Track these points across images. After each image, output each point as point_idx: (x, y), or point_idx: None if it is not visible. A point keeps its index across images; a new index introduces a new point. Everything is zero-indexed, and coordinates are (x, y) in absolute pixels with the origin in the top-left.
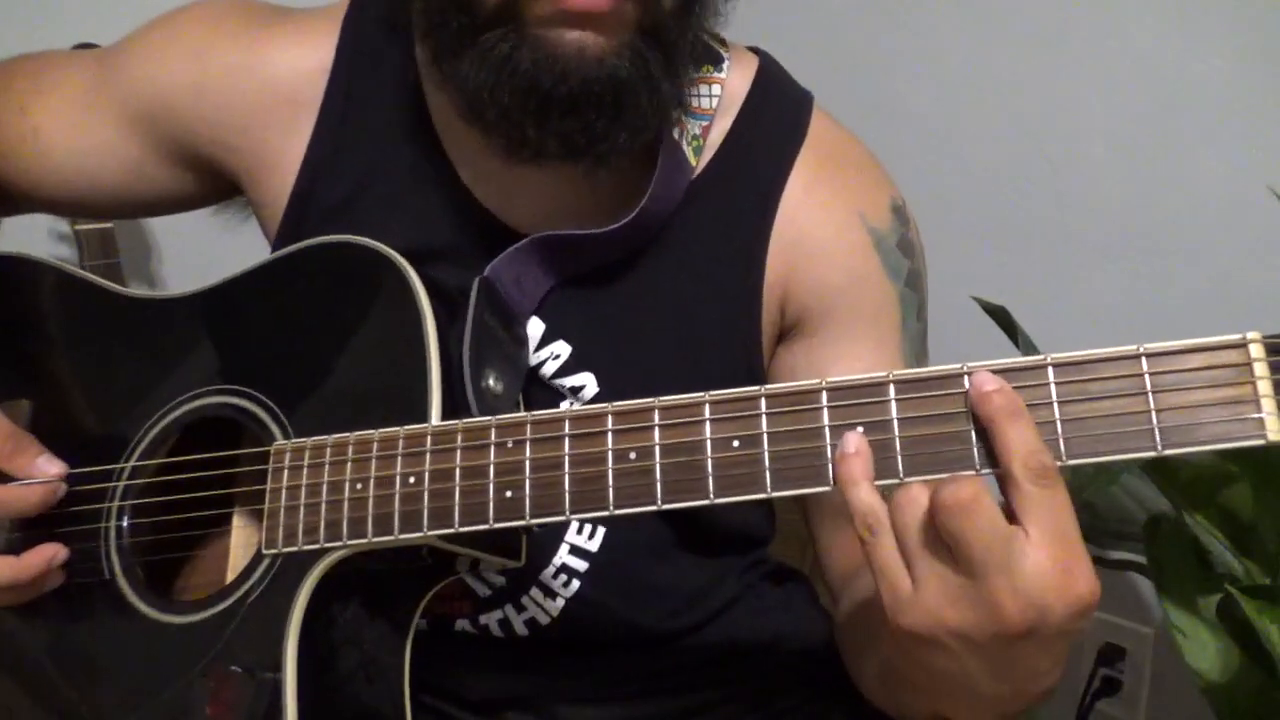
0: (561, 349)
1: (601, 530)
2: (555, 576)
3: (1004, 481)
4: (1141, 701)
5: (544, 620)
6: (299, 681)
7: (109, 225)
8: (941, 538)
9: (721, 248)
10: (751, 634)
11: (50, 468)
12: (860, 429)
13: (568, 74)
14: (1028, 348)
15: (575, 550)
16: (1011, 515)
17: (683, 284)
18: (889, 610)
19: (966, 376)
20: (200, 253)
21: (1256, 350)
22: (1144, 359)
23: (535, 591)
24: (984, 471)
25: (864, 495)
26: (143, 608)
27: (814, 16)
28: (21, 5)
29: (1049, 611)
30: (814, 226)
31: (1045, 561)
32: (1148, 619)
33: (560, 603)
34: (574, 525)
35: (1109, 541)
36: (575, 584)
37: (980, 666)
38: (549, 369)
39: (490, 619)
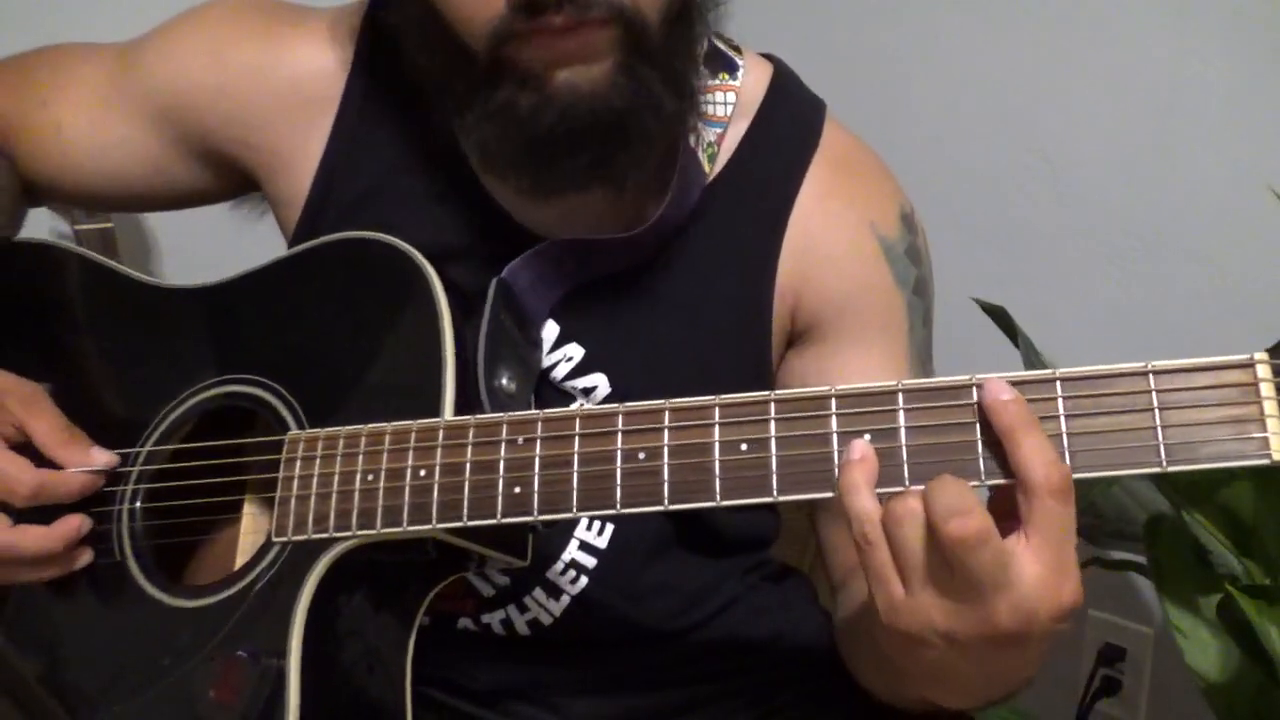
0: (575, 351)
1: (610, 527)
2: (564, 573)
3: (1017, 489)
4: (1141, 701)
5: (546, 621)
6: (303, 668)
7: (109, 225)
8: (941, 559)
9: (734, 253)
10: (752, 632)
11: (102, 458)
12: (868, 436)
13: (566, 114)
14: (1027, 348)
15: (585, 546)
16: (1006, 515)
17: (694, 288)
18: (883, 613)
19: (975, 388)
20: (201, 253)
21: (1263, 371)
22: (1151, 376)
23: (539, 591)
24: (988, 483)
25: (864, 502)
26: (151, 591)
27: (814, 17)
28: (22, 5)
29: (1036, 618)
30: (825, 235)
31: (1043, 573)
32: (1148, 619)
33: (565, 601)
34: (584, 521)
35: (1109, 541)
36: (583, 581)
37: (967, 664)
38: (560, 371)
39: (492, 618)
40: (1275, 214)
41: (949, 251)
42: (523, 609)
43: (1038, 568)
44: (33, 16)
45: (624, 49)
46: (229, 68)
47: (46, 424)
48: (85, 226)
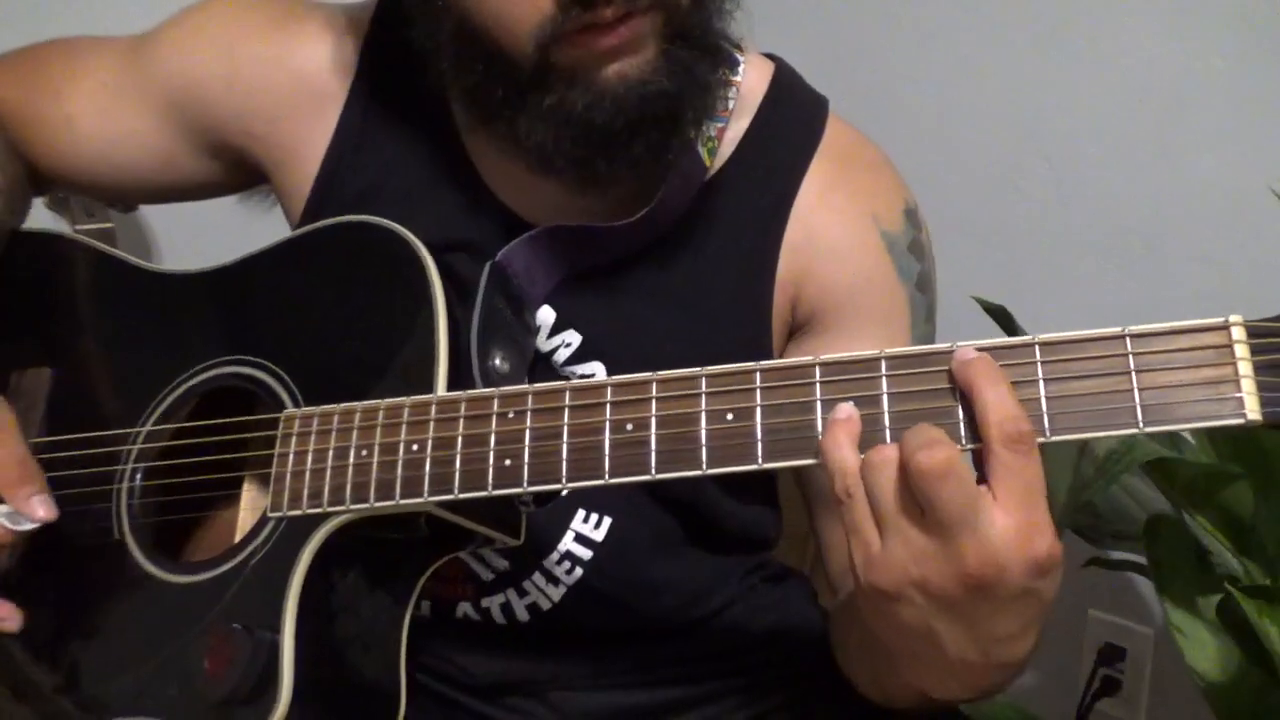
0: (572, 338)
1: (608, 520)
2: (559, 563)
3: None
4: (1141, 701)
5: (545, 606)
6: (296, 642)
7: (109, 225)
8: (912, 498)
9: (734, 247)
10: (750, 632)
11: (39, 510)
12: (851, 403)
13: (621, 106)
14: None
15: (580, 538)
16: (982, 475)
17: (694, 281)
18: (860, 568)
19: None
20: (200, 253)
21: (1238, 333)
22: (1128, 340)
23: (538, 576)
24: (968, 446)
25: (845, 456)
26: (149, 567)
27: (814, 16)
28: (21, 5)
29: (1007, 570)
30: (827, 227)
31: (1009, 525)
32: (1148, 619)
33: (562, 589)
34: (580, 514)
35: (1109, 541)
36: (579, 572)
37: (944, 623)
38: (560, 356)
39: (492, 602)
40: (1276, 214)
41: (950, 250)
42: (522, 593)
43: (1005, 518)
44: (32, 17)
45: (665, 34)
46: (238, 60)
47: (2, 455)
48: (85, 227)
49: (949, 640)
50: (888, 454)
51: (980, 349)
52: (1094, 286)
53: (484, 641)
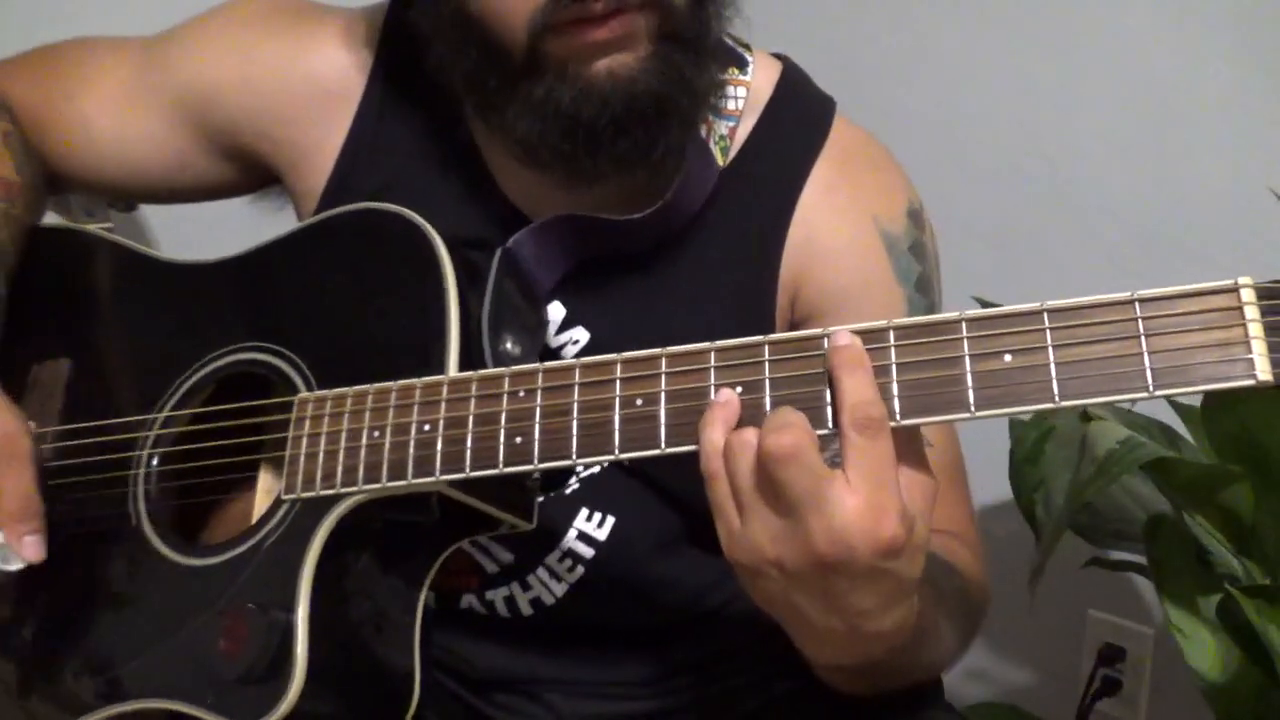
0: (581, 335)
1: (611, 520)
2: (561, 560)
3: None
4: (1141, 701)
5: (548, 601)
6: (310, 621)
7: (109, 225)
8: (768, 481)
9: (740, 245)
10: (750, 630)
11: (28, 550)
12: (736, 388)
13: (608, 102)
14: None
15: (583, 536)
16: (838, 461)
17: (700, 279)
18: (724, 547)
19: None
20: (201, 253)
21: (1248, 295)
22: (1137, 304)
23: (541, 571)
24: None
25: (713, 437)
26: (165, 550)
27: (814, 16)
28: (21, 5)
29: (855, 549)
30: (827, 227)
31: (859, 506)
32: (1148, 619)
33: (564, 586)
34: (584, 512)
35: (1109, 541)
36: (580, 569)
37: (803, 597)
38: (569, 353)
39: (496, 595)
40: (1276, 214)
41: (950, 251)
42: (526, 587)
43: (853, 500)
44: (34, 16)
45: (657, 34)
46: (254, 63)
47: (9, 486)
48: (84, 226)
49: (811, 613)
50: (748, 438)
51: (985, 317)
52: (1094, 286)
53: (487, 634)
